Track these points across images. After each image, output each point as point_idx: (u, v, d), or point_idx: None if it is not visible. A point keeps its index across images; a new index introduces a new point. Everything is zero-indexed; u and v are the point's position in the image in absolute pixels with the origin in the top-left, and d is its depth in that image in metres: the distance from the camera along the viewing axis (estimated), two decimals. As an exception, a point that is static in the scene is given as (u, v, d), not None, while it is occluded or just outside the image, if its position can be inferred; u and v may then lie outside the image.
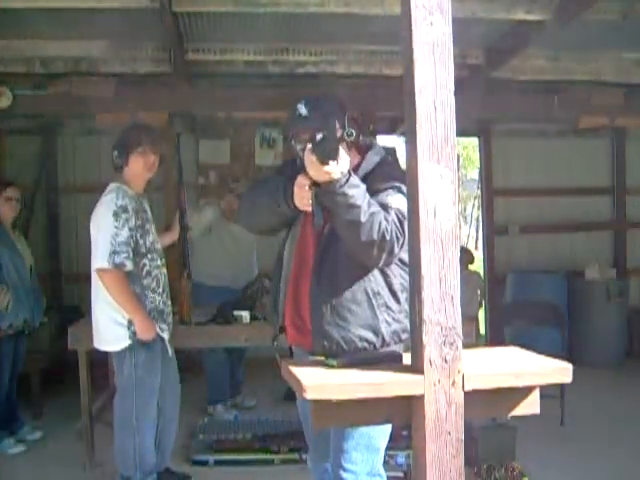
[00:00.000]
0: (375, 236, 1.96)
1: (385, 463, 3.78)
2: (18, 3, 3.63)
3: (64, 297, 6.45)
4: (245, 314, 4.06)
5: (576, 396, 4.61)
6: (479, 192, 8.86)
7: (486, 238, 7.16)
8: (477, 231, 25.22)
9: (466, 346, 1.62)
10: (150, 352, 3.31)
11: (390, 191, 2.10)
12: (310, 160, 1.94)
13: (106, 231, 3.20)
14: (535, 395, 1.67)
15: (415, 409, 1.59)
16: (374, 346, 2.11)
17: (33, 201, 6.20)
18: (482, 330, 6.94)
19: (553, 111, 5.47)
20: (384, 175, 2.18)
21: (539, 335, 4.83)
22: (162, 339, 3.38)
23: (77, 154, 6.51)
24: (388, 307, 2.13)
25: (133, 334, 3.24)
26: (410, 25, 1.55)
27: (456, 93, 1.55)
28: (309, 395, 1.54)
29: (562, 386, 4.33)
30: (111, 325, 3.29)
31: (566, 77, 5.05)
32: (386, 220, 2.00)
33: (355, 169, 2.15)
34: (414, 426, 1.62)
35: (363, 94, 5.20)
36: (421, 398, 1.55)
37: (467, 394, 1.55)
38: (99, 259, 3.21)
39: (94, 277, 3.29)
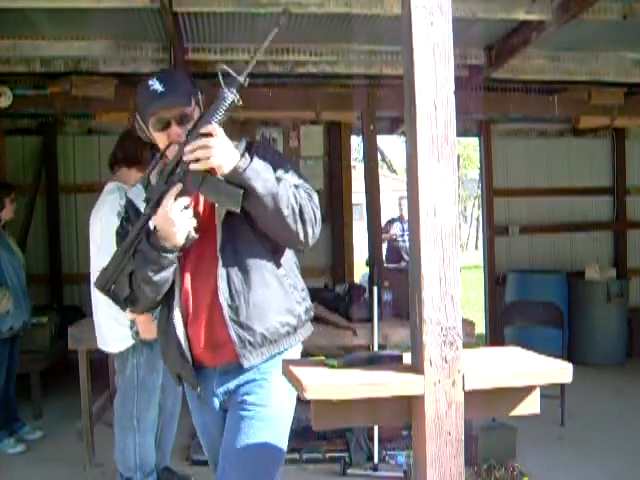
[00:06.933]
0: (294, 202, 1.86)
1: (385, 463, 3.84)
2: (19, 3, 3.64)
3: (64, 297, 6.45)
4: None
5: (576, 396, 4.62)
6: (479, 192, 8.86)
7: (486, 238, 7.16)
8: (477, 231, 25.29)
9: (466, 346, 1.62)
10: (152, 352, 3.29)
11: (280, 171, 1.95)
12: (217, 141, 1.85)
13: (110, 231, 3.18)
14: (535, 395, 1.67)
15: (415, 409, 1.59)
16: (295, 329, 2.07)
17: (33, 201, 6.20)
18: (482, 330, 6.94)
19: (553, 111, 5.48)
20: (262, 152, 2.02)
21: (539, 335, 4.83)
22: (162, 339, 3.37)
23: (77, 154, 6.52)
24: (295, 287, 2.09)
25: (136, 334, 3.24)
26: (410, 25, 1.55)
27: (456, 93, 1.55)
28: (309, 395, 1.53)
29: (562, 386, 4.33)
30: (114, 325, 3.28)
31: (566, 77, 5.06)
32: (293, 187, 1.90)
33: None
34: (414, 426, 1.61)
35: (363, 94, 5.21)
36: (421, 398, 1.54)
37: (467, 394, 1.55)
38: (103, 259, 3.18)
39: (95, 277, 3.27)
